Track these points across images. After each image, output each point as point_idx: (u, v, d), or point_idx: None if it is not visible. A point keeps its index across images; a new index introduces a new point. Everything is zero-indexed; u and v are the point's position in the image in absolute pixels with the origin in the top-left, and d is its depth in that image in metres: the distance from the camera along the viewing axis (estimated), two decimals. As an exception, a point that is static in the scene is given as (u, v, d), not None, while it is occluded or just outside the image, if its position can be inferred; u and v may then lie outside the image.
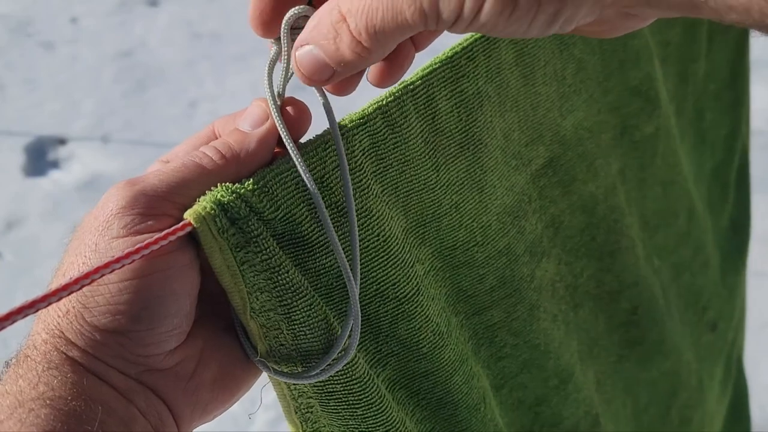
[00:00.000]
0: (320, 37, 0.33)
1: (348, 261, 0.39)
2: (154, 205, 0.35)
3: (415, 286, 0.43)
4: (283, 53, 0.37)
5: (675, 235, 0.68)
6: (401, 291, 0.42)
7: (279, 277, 0.36)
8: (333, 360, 0.38)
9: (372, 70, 0.38)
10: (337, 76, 0.35)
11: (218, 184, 0.36)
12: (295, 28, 0.37)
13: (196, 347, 0.37)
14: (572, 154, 0.55)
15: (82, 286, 0.31)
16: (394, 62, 0.37)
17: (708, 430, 0.77)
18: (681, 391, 0.70)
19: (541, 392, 0.54)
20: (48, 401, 0.32)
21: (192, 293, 0.36)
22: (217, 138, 0.41)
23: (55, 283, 0.35)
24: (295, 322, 0.37)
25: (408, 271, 0.42)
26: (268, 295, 0.36)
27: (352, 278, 0.38)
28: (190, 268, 0.35)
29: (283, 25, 0.36)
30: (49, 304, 0.30)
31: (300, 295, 0.37)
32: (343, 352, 0.39)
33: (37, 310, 0.30)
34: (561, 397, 0.55)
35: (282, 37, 0.37)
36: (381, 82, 0.38)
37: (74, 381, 0.33)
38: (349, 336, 0.39)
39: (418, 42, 0.38)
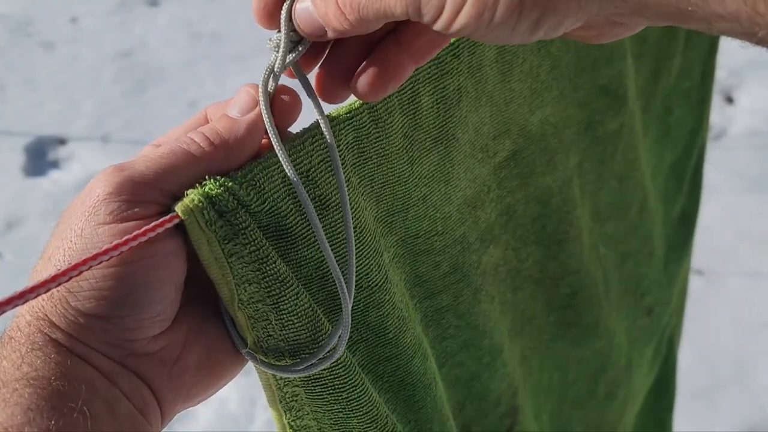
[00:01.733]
0: None
1: (344, 256, 0.40)
2: (141, 192, 0.34)
3: (384, 274, 0.44)
4: (283, 37, 0.37)
5: (626, 226, 0.70)
6: (372, 280, 0.43)
7: (267, 268, 0.37)
8: (321, 358, 0.39)
9: (360, 81, 0.38)
10: (326, 37, 0.35)
11: (207, 177, 0.36)
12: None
13: (182, 332, 0.37)
14: (535, 148, 0.56)
15: (70, 278, 0.31)
16: (385, 73, 0.37)
17: (631, 406, 0.82)
18: (609, 369, 0.74)
19: (475, 369, 0.56)
20: (31, 381, 0.32)
21: (177, 281, 0.36)
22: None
23: (41, 266, 0.35)
24: (282, 312, 0.38)
25: (378, 260, 0.44)
26: (256, 287, 0.37)
27: (339, 274, 0.39)
28: (177, 256, 0.36)
29: (283, 12, 0.36)
30: (38, 295, 0.31)
31: (287, 286, 0.38)
32: (332, 350, 0.40)
33: (26, 301, 0.30)
34: (491, 373, 0.58)
35: (282, 23, 0.36)
36: (368, 94, 0.38)
37: (57, 361, 0.33)
38: (339, 336, 0.40)
39: (417, 57, 0.38)
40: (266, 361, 0.39)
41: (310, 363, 0.39)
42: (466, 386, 0.57)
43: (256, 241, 0.36)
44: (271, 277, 0.37)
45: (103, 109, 2.40)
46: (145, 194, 0.35)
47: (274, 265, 0.37)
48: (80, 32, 2.75)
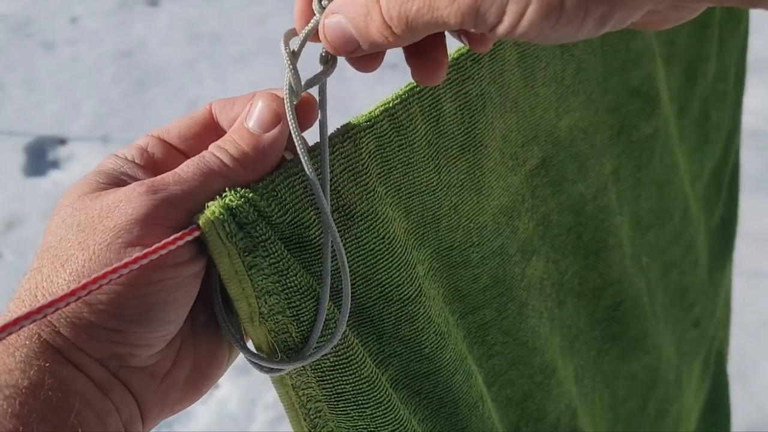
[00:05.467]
0: (351, 9, 0.32)
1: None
2: (174, 216, 0.34)
3: (418, 287, 0.43)
4: (301, 38, 0.36)
5: (668, 235, 0.68)
6: (404, 293, 0.42)
7: (287, 280, 0.36)
8: (322, 341, 0.38)
9: (414, 71, 0.36)
10: (360, 52, 0.33)
11: (227, 189, 0.35)
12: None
13: (175, 348, 0.37)
14: (564, 154, 0.55)
15: (90, 292, 0.31)
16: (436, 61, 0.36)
17: (684, 423, 0.78)
18: (659, 386, 0.71)
19: (527, 388, 0.54)
20: (23, 389, 0.31)
21: (191, 302, 0.36)
22: (214, 121, 0.41)
23: (49, 270, 0.33)
24: (303, 324, 0.38)
25: (411, 272, 0.42)
26: (276, 298, 0.37)
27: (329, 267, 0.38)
28: (196, 279, 0.35)
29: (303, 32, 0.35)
30: (57, 309, 0.30)
31: (308, 297, 0.37)
32: (331, 331, 0.38)
33: (45, 316, 0.29)
34: (545, 393, 0.56)
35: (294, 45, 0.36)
36: (425, 80, 0.37)
37: (52, 371, 0.32)
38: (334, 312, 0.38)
39: (475, 44, 0.36)
40: (269, 366, 0.38)
41: (311, 348, 0.38)
42: (519, 407, 0.55)
43: (276, 253, 0.36)
44: (291, 289, 0.37)
45: (103, 109, 2.40)
46: (177, 218, 0.34)
47: (294, 276, 0.37)
48: (80, 32, 2.75)
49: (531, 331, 0.54)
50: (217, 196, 0.35)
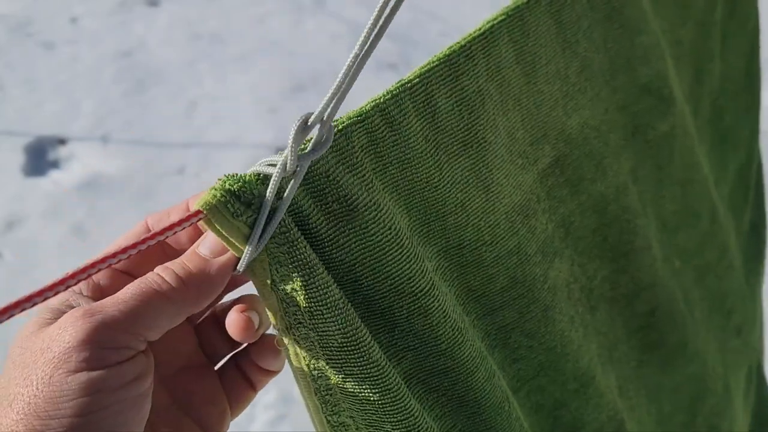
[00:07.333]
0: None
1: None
2: (114, 338, 0.34)
3: (430, 280, 0.42)
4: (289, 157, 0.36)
5: (698, 237, 0.66)
6: (417, 285, 0.41)
7: (296, 252, 0.37)
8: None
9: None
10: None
11: (224, 175, 0.36)
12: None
13: None
14: (579, 153, 0.54)
15: (57, 293, 0.31)
16: None
17: None
18: (707, 398, 0.68)
19: (559, 396, 0.52)
20: None
21: (145, 417, 0.36)
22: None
23: None
24: (310, 299, 0.37)
25: (421, 265, 0.42)
26: (286, 269, 0.37)
27: None
28: (146, 396, 0.36)
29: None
30: (45, 299, 0.30)
31: (315, 274, 0.37)
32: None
33: (23, 310, 0.29)
34: (581, 402, 0.54)
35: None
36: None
37: None
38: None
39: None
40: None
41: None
42: (551, 415, 0.53)
43: (285, 224, 0.36)
44: (300, 262, 0.37)
45: (103, 109, 2.40)
46: (118, 340, 0.34)
47: (304, 249, 0.37)
48: (80, 32, 2.75)
49: (560, 336, 0.52)
50: (217, 180, 0.36)
